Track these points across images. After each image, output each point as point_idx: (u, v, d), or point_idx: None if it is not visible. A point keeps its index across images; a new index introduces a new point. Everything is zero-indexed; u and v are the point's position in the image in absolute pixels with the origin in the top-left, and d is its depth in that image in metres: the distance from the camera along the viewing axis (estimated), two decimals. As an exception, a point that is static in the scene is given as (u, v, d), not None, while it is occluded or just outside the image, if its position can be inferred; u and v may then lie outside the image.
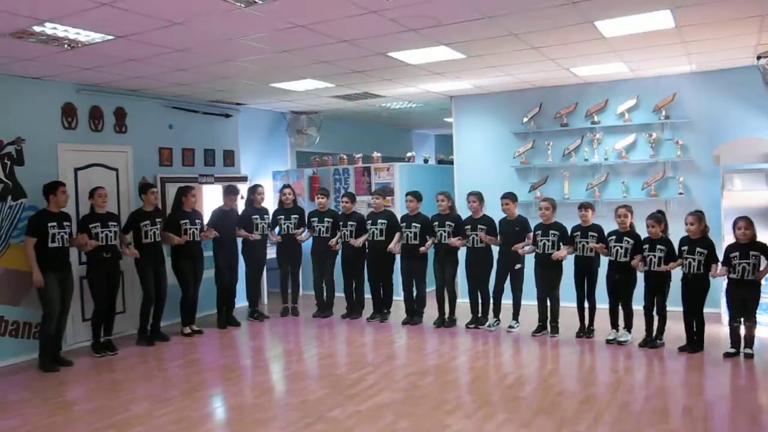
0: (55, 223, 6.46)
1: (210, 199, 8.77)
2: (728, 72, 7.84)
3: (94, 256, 6.84)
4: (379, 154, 10.30)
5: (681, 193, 8.07)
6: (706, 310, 6.49)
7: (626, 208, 6.85)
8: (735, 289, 6.28)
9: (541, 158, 8.96)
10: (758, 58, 7.04)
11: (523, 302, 7.63)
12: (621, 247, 6.76)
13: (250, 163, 10.25)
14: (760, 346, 6.47)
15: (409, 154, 10.81)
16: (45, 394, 5.78)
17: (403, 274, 8.17)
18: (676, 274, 6.59)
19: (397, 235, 8.06)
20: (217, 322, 8.17)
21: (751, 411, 4.99)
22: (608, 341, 6.92)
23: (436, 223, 7.82)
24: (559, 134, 8.86)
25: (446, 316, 8.01)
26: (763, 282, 6.28)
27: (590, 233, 7.00)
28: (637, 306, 6.81)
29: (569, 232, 7.18)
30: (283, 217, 8.57)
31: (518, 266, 7.51)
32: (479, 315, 7.82)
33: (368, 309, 8.61)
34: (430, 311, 8.17)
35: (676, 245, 6.55)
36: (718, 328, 7.10)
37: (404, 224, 8.02)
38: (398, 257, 8.22)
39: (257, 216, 8.41)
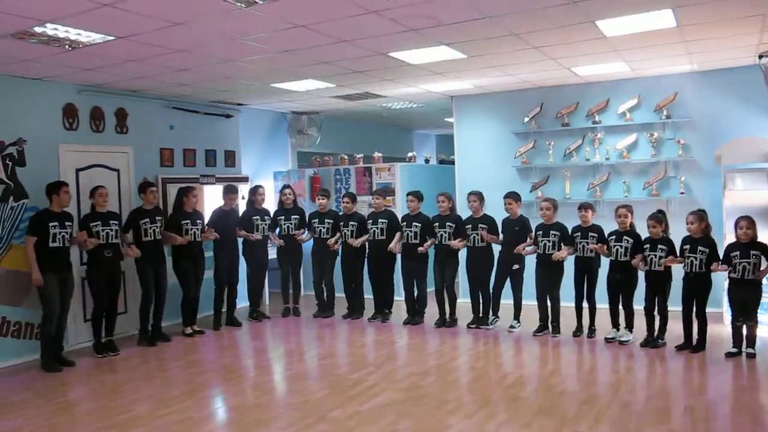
0: (56, 223, 6.46)
1: (211, 199, 8.76)
2: (730, 71, 7.84)
3: (95, 255, 6.84)
4: (380, 154, 10.30)
5: (682, 193, 8.06)
6: (708, 309, 6.48)
7: (626, 208, 6.85)
8: (736, 289, 6.27)
9: (543, 158, 8.96)
10: (760, 57, 7.04)
11: (523, 302, 7.61)
12: (621, 247, 6.76)
13: (251, 164, 10.25)
14: (762, 345, 6.46)
15: (410, 154, 10.81)
16: (47, 394, 5.78)
17: (404, 274, 8.17)
18: (677, 273, 6.59)
19: (398, 234, 8.06)
20: (213, 323, 8.13)
21: (753, 411, 4.98)
22: (607, 340, 6.93)
23: (437, 224, 7.82)
24: (560, 134, 8.86)
25: (447, 316, 8.00)
26: (764, 282, 6.27)
27: (590, 234, 7.00)
28: (638, 306, 6.80)
29: (570, 233, 7.17)
30: (283, 217, 8.57)
31: (516, 267, 7.51)
32: (480, 315, 7.81)
33: (369, 309, 8.60)
34: (432, 311, 8.16)
35: (677, 245, 6.55)
36: (720, 327, 7.08)
37: (405, 224, 8.02)
38: (399, 257, 8.21)
39: (258, 217, 8.41)
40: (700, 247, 6.33)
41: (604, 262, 7.05)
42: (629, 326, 6.87)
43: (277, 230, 8.64)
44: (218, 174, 9.17)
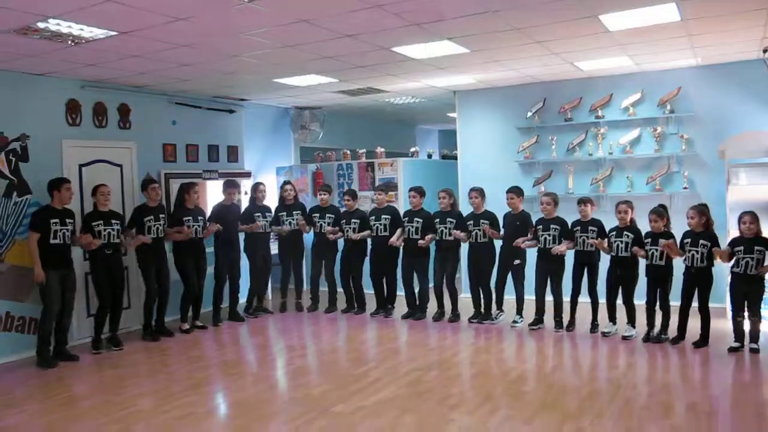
0: (57, 220, 6.46)
1: (214, 195, 8.75)
2: (734, 66, 7.80)
3: (96, 253, 6.84)
4: (382, 150, 10.29)
5: (686, 188, 8.05)
6: (711, 305, 6.47)
7: (627, 204, 6.85)
8: (738, 284, 6.26)
9: (546, 153, 8.94)
10: (764, 51, 7.01)
11: (526, 297, 7.61)
12: (622, 242, 6.76)
13: (254, 159, 10.24)
14: (766, 341, 6.45)
15: (413, 150, 10.80)
16: (50, 389, 5.80)
17: (405, 269, 8.18)
18: (679, 269, 6.58)
19: (399, 230, 8.07)
20: (213, 319, 8.11)
21: (757, 406, 4.99)
22: (604, 334, 6.93)
23: (438, 219, 7.84)
24: (563, 129, 8.84)
25: (444, 310, 8.04)
26: (767, 277, 6.25)
27: (590, 228, 7.01)
28: (640, 301, 6.81)
29: (569, 227, 7.18)
30: (284, 213, 8.57)
31: (517, 262, 7.51)
32: (482, 310, 7.81)
33: (371, 305, 8.60)
34: (432, 306, 8.16)
35: (679, 240, 6.54)
36: (723, 323, 7.07)
37: (407, 219, 8.03)
38: (401, 253, 8.21)
39: (259, 214, 8.40)
40: (701, 241, 6.32)
41: (605, 257, 7.05)
42: (631, 321, 6.87)
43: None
44: (221, 169, 9.17)
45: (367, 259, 8.48)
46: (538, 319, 7.42)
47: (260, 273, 8.63)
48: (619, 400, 5.06)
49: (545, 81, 8.80)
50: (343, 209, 8.62)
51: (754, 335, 6.22)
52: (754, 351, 6.15)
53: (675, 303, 6.64)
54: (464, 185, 9.11)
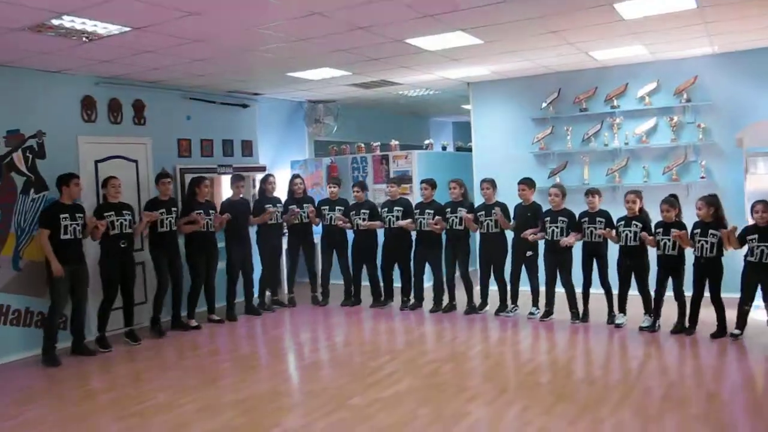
0: (67, 215, 6.46)
1: (229, 189, 8.76)
2: (751, 53, 7.71)
3: (109, 245, 6.85)
4: (396, 142, 10.27)
5: (703, 177, 7.97)
6: (727, 295, 6.41)
7: (635, 194, 6.83)
8: (751, 273, 6.21)
9: (561, 144, 8.89)
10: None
11: (541, 288, 7.58)
12: (630, 232, 6.73)
13: (269, 153, 10.26)
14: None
15: (427, 142, 10.77)
16: (70, 383, 5.86)
17: (417, 261, 8.19)
18: (689, 259, 6.54)
19: (410, 220, 8.10)
20: (227, 314, 8.12)
21: (777, 396, 4.94)
22: (617, 325, 6.91)
23: (449, 209, 7.86)
24: (578, 119, 8.78)
25: (456, 303, 8.06)
26: None
27: (598, 219, 6.99)
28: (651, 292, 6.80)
29: (577, 219, 7.16)
30: (294, 207, 8.57)
31: (529, 253, 7.50)
32: (500, 302, 7.80)
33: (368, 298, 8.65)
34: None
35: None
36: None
37: (418, 211, 8.05)
38: (414, 244, 8.21)
39: (270, 205, 8.40)
40: (711, 231, 6.29)
41: (613, 248, 7.02)
42: (648, 311, 6.83)
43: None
44: (236, 164, 9.19)
45: (379, 251, 8.49)
46: (549, 311, 7.40)
47: (273, 266, 8.63)
48: (638, 390, 5.04)
49: (560, 71, 8.74)
50: (352, 201, 8.63)
51: None
52: None
53: (686, 293, 6.60)
54: (479, 177, 9.05)
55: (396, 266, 8.41)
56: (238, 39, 6.11)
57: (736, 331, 6.28)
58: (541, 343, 6.70)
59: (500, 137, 9.39)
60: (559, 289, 7.33)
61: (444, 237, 8.04)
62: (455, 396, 5.09)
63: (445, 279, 8.09)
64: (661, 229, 6.58)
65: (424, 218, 7.96)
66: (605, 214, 7.02)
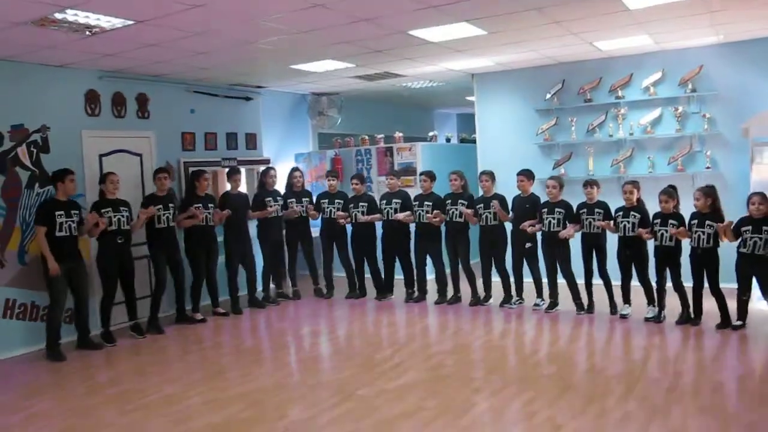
0: (62, 212, 6.41)
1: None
2: (757, 42, 7.66)
3: (106, 242, 6.82)
4: (401, 134, 10.25)
5: (708, 168, 7.94)
6: (726, 285, 6.40)
7: (632, 184, 6.84)
8: (744, 264, 6.23)
9: (565, 135, 8.86)
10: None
11: (543, 280, 7.58)
12: (628, 222, 6.74)
13: (273, 146, 10.25)
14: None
15: (431, 134, 10.75)
16: (77, 377, 5.89)
17: (417, 253, 8.19)
18: (687, 249, 6.54)
19: (409, 212, 8.11)
20: (231, 308, 8.12)
21: (783, 386, 4.94)
22: (622, 316, 6.91)
23: (449, 201, 7.87)
24: (582, 110, 8.75)
25: (461, 294, 8.08)
26: None
27: (596, 210, 6.99)
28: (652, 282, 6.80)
29: (575, 210, 7.16)
30: (294, 200, 8.57)
31: (529, 245, 7.50)
32: (504, 293, 7.82)
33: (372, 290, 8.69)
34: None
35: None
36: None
37: (417, 203, 8.05)
38: (413, 237, 8.23)
39: (270, 198, 8.38)
40: (708, 222, 6.29)
41: (612, 238, 7.01)
42: (650, 301, 6.84)
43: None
44: (240, 157, 9.19)
45: (378, 243, 8.50)
46: (554, 303, 7.41)
47: (275, 259, 8.63)
48: (644, 381, 5.04)
49: (564, 62, 8.70)
50: (351, 194, 8.63)
51: None
52: None
53: (687, 284, 6.59)
54: (483, 169, 9.04)
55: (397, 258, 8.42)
56: (241, 31, 6.09)
57: (738, 322, 6.29)
58: (546, 335, 6.70)
59: (504, 129, 9.37)
60: (562, 281, 7.33)
61: (444, 229, 8.04)
62: (461, 387, 5.09)
63: (449, 271, 8.08)
64: (659, 220, 6.58)
65: (422, 210, 7.97)
66: (603, 205, 7.02)
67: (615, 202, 7.01)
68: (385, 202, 8.29)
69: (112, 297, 6.94)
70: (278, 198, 8.49)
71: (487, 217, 7.64)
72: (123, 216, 6.89)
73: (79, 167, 7.16)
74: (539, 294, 7.60)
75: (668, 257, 6.55)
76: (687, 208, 6.58)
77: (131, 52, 6.61)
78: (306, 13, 5.54)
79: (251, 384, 5.49)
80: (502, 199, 7.62)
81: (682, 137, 8.15)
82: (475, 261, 8.00)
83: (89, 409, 5.04)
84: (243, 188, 8.74)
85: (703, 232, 6.31)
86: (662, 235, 6.53)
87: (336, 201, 8.57)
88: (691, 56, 8.02)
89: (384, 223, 8.34)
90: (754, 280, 6.25)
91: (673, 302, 6.68)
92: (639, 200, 6.84)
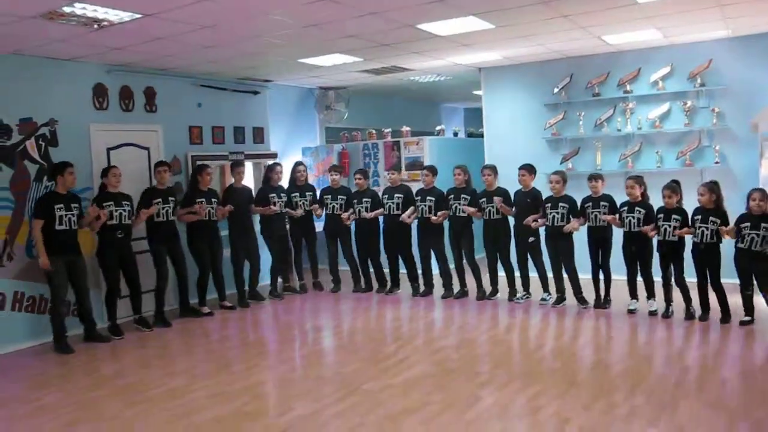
0: (61, 205, 6.39)
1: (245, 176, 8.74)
2: (767, 36, 7.61)
3: (106, 236, 6.82)
4: (408, 128, 10.24)
5: (717, 162, 7.89)
6: (727, 281, 6.39)
7: (634, 179, 6.84)
8: (743, 259, 6.22)
9: (573, 129, 8.83)
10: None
11: (549, 275, 7.57)
12: (633, 218, 6.73)
13: (280, 140, 10.25)
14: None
15: (438, 128, 10.74)
16: (83, 369, 5.92)
17: (421, 248, 8.19)
18: (686, 244, 6.54)
19: (412, 208, 8.11)
20: (238, 301, 8.14)
21: (791, 382, 4.91)
22: (630, 311, 6.90)
23: (452, 196, 7.88)
24: (590, 104, 8.71)
25: (467, 288, 8.08)
26: None
27: (601, 203, 6.99)
28: (656, 278, 6.78)
29: (580, 204, 7.15)
30: (298, 194, 8.56)
31: (531, 239, 7.50)
32: (509, 287, 7.82)
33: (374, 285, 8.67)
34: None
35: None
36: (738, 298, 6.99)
37: (419, 198, 8.05)
38: (415, 232, 8.24)
39: (274, 194, 8.36)
40: (711, 218, 6.28)
41: (618, 233, 7.00)
42: (651, 294, 6.85)
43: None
44: (247, 151, 9.19)
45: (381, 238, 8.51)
46: (561, 298, 7.41)
47: (281, 254, 8.62)
48: (652, 376, 5.03)
49: (572, 56, 8.67)
50: (354, 189, 8.62)
51: None
52: None
53: (691, 280, 6.58)
54: (491, 163, 9.03)
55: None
56: (248, 25, 6.09)
57: (747, 318, 6.28)
58: (553, 329, 6.69)
59: (512, 123, 9.34)
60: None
61: (447, 224, 8.04)
62: (468, 381, 5.09)
63: (453, 266, 8.08)
64: (662, 215, 6.57)
65: (425, 205, 7.97)
66: (608, 198, 7.01)
67: (623, 197, 6.98)
68: (387, 196, 8.29)
69: (115, 290, 6.96)
70: (282, 194, 8.48)
71: (490, 211, 7.64)
72: (124, 210, 6.88)
73: (87, 161, 7.20)
74: (545, 288, 7.60)
75: (672, 252, 6.55)
76: (693, 203, 6.54)
77: (139, 46, 6.62)
78: (313, 7, 5.53)
79: (256, 377, 5.51)
80: (505, 194, 7.62)
81: (690, 132, 8.11)
82: (480, 256, 8.00)
83: (96, 401, 5.07)
84: (250, 182, 8.75)
85: (707, 228, 6.29)
86: (665, 230, 6.51)
87: (339, 196, 8.57)
88: (700, 50, 7.97)
89: (386, 218, 8.34)
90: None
91: (677, 297, 6.67)
92: (644, 195, 6.82)
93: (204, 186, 7.69)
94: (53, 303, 6.50)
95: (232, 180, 8.27)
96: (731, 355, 5.71)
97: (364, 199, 8.39)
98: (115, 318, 6.97)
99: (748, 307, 6.30)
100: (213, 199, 7.73)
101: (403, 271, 8.50)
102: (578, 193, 7.31)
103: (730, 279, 6.40)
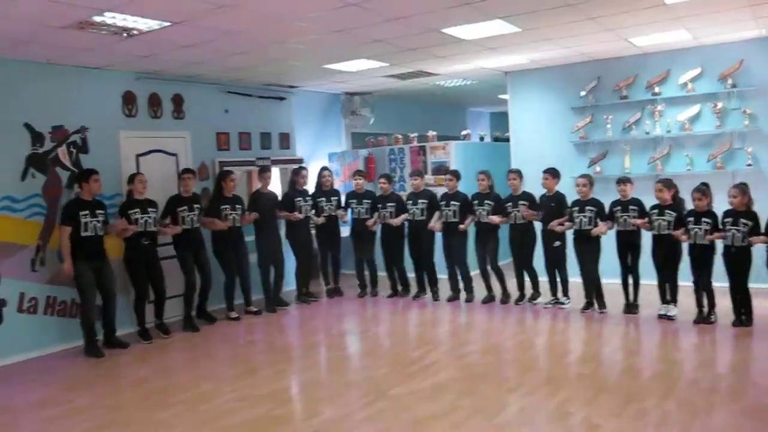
0: (87, 212, 6.46)
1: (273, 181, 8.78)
2: (799, 36, 7.50)
3: (133, 243, 6.86)
4: (434, 133, 10.23)
5: (749, 165, 7.76)
6: (756, 285, 6.29)
7: (663, 182, 6.73)
8: None
9: (600, 132, 8.75)
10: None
11: (577, 280, 7.49)
12: (664, 221, 6.63)
13: (306, 146, 10.30)
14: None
15: (464, 132, 10.70)
16: (114, 373, 6.00)
17: (445, 252, 8.18)
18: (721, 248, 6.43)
19: (437, 213, 8.10)
20: (265, 306, 8.17)
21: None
22: (660, 316, 6.81)
23: (476, 201, 7.87)
24: (618, 107, 8.63)
25: (494, 293, 8.02)
26: None
27: (630, 207, 6.91)
28: (687, 282, 6.67)
29: (609, 208, 7.08)
30: (323, 199, 8.59)
31: (557, 243, 7.44)
32: (531, 291, 7.82)
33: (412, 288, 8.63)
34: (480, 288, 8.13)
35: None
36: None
37: (443, 203, 8.05)
38: (439, 236, 8.21)
39: (300, 198, 8.38)
40: (742, 220, 6.18)
41: (646, 236, 6.91)
42: (674, 299, 6.77)
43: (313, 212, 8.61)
44: (274, 156, 9.25)
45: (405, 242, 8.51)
46: (590, 303, 7.34)
47: (305, 258, 8.64)
48: (684, 382, 4.96)
49: (599, 59, 8.59)
50: (378, 193, 8.64)
51: None
52: None
53: (719, 284, 6.49)
54: (517, 167, 8.98)
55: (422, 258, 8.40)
56: (275, 31, 6.13)
57: None
58: (581, 334, 6.62)
59: (538, 127, 9.28)
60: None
61: (474, 229, 8.01)
62: (495, 387, 5.06)
63: (477, 272, 8.05)
64: (692, 218, 6.46)
65: (449, 210, 7.96)
66: (637, 202, 6.93)
67: (652, 201, 6.89)
68: (411, 202, 8.30)
69: (144, 296, 7.03)
70: (307, 198, 8.49)
71: (515, 215, 7.61)
72: (150, 217, 6.93)
73: (117, 167, 7.30)
74: (565, 293, 7.56)
75: (703, 256, 6.45)
76: (724, 206, 6.44)
77: (167, 54, 6.70)
78: (339, 13, 5.55)
79: (284, 382, 5.54)
80: (530, 198, 7.59)
81: (721, 134, 7.98)
82: (505, 262, 7.95)
83: (129, 403, 5.14)
84: (276, 187, 8.80)
85: (738, 230, 6.19)
86: (696, 233, 6.42)
87: (364, 201, 8.58)
88: (731, 51, 7.84)
89: (410, 224, 8.35)
90: None
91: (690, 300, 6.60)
92: (675, 198, 6.72)
93: (228, 192, 7.71)
94: (81, 308, 6.59)
95: (259, 185, 8.31)
96: (765, 360, 5.60)
97: (389, 204, 8.40)
98: (145, 323, 7.04)
99: None
100: (237, 205, 7.76)
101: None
102: (606, 196, 7.24)
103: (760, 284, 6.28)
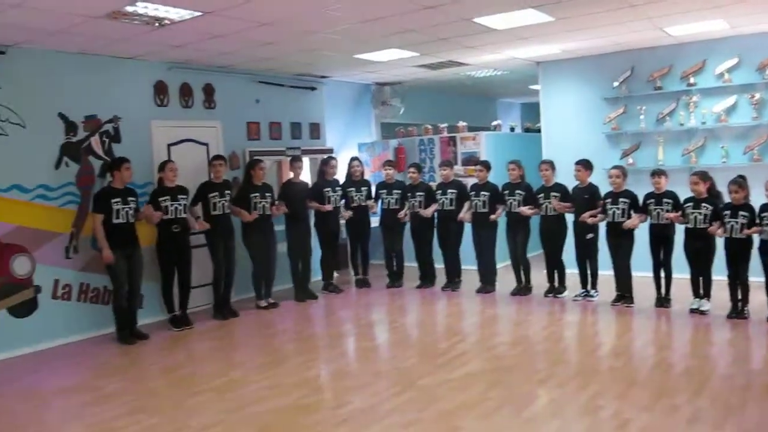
0: (119, 199, 6.52)
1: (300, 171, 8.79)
2: (842, 25, 7.29)
3: (164, 230, 6.93)
4: (464, 124, 10.16)
5: (787, 157, 7.61)
6: None
7: (697, 175, 6.59)
8: None
9: (634, 124, 8.61)
10: None
11: (608, 273, 7.40)
12: (700, 214, 6.49)
13: (336, 136, 10.31)
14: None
15: (495, 123, 10.61)
16: (145, 360, 6.08)
17: (475, 242, 8.14)
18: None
19: (467, 204, 8.08)
20: (295, 296, 8.22)
21: None
22: (692, 310, 6.70)
23: (507, 191, 7.83)
24: (652, 98, 8.48)
25: (523, 284, 8.00)
26: None
27: (664, 200, 6.77)
28: (722, 276, 6.54)
29: (643, 200, 6.97)
30: (354, 189, 8.59)
31: (590, 236, 7.36)
32: (558, 284, 7.77)
33: (441, 278, 8.60)
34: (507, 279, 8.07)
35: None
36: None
37: (473, 193, 8.03)
38: (468, 227, 8.18)
39: (329, 188, 8.38)
40: None
41: (679, 230, 6.80)
42: (707, 294, 6.66)
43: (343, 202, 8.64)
44: (304, 146, 9.27)
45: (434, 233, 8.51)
46: (620, 296, 7.25)
47: (332, 248, 8.67)
48: (717, 378, 4.87)
49: (632, 49, 8.45)
50: (408, 183, 8.63)
51: None
52: None
53: (755, 279, 6.36)
54: (548, 158, 8.89)
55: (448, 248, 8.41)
56: (306, 21, 6.12)
57: None
58: (612, 327, 6.55)
59: (570, 118, 9.17)
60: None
61: (504, 220, 7.97)
62: (525, 379, 5.03)
63: (508, 262, 7.99)
64: (729, 212, 6.33)
65: (479, 200, 7.94)
66: (672, 195, 6.79)
67: (686, 193, 6.77)
68: (440, 192, 8.29)
69: (170, 283, 7.09)
70: (337, 188, 8.51)
71: (546, 207, 7.55)
72: (180, 205, 6.97)
73: (148, 156, 7.38)
74: (594, 286, 7.49)
75: (740, 250, 6.30)
76: (761, 199, 6.30)
77: (198, 44, 6.74)
78: (371, 2, 5.53)
79: (313, 371, 5.56)
80: (562, 190, 7.53)
81: (759, 126, 7.81)
82: (535, 253, 7.88)
83: (160, 389, 5.22)
84: (306, 177, 8.82)
85: None
86: (732, 227, 6.29)
87: (394, 191, 8.57)
88: (769, 40, 7.67)
89: (439, 214, 8.35)
90: None
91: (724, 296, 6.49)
92: (711, 191, 6.58)
93: (258, 180, 7.71)
94: (113, 296, 6.69)
95: (291, 175, 8.33)
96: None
97: (418, 193, 8.40)
98: (174, 310, 7.13)
99: None
100: (267, 194, 7.78)
101: (439, 266, 8.51)
102: (639, 188, 7.13)
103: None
